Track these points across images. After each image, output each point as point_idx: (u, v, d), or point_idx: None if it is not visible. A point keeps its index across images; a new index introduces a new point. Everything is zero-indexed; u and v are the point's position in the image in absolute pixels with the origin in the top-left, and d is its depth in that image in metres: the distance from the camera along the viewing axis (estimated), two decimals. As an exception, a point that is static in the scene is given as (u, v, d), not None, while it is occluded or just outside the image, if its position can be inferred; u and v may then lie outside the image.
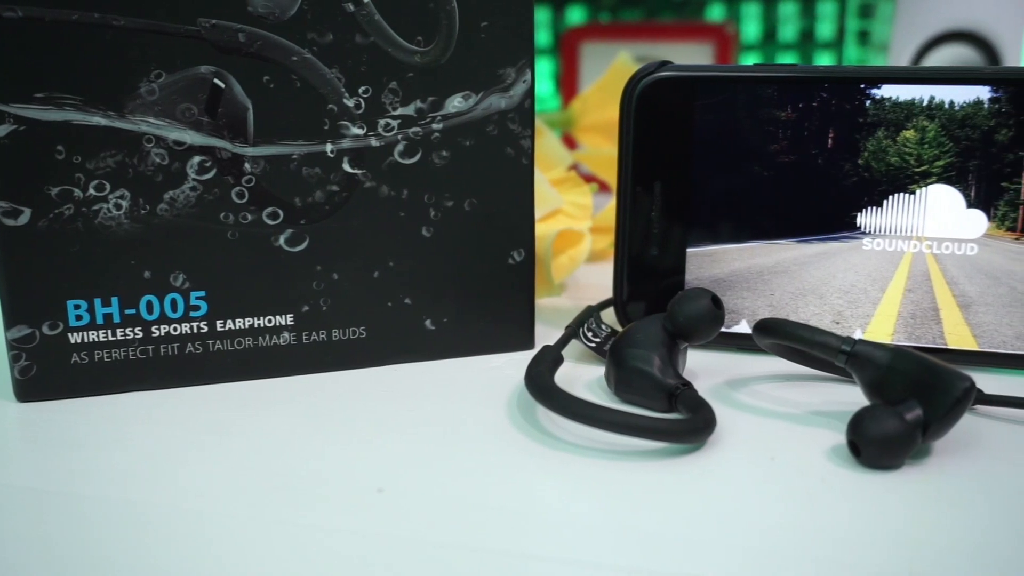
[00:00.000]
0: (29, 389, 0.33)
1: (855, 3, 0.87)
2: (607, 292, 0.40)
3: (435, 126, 0.35)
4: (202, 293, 0.34)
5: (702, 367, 0.37)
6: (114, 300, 0.33)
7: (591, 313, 0.38)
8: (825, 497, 0.27)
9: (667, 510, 0.26)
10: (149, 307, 0.34)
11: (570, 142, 0.72)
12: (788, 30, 1.02)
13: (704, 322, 0.33)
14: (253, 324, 0.35)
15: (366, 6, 0.33)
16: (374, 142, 0.34)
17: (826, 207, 0.36)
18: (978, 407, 0.33)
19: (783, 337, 0.32)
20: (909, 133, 0.35)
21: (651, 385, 0.32)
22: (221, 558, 0.24)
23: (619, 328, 0.38)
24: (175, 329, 0.34)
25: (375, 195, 0.35)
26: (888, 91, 0.35)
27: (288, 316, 0.35)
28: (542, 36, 1.03)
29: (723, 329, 0.35)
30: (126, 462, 0.29)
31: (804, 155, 0.36)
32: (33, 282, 0.32)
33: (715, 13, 1.03)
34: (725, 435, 0.31)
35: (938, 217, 0.35)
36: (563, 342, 0.35)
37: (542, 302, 0.44)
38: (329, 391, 0.35)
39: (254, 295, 0.35)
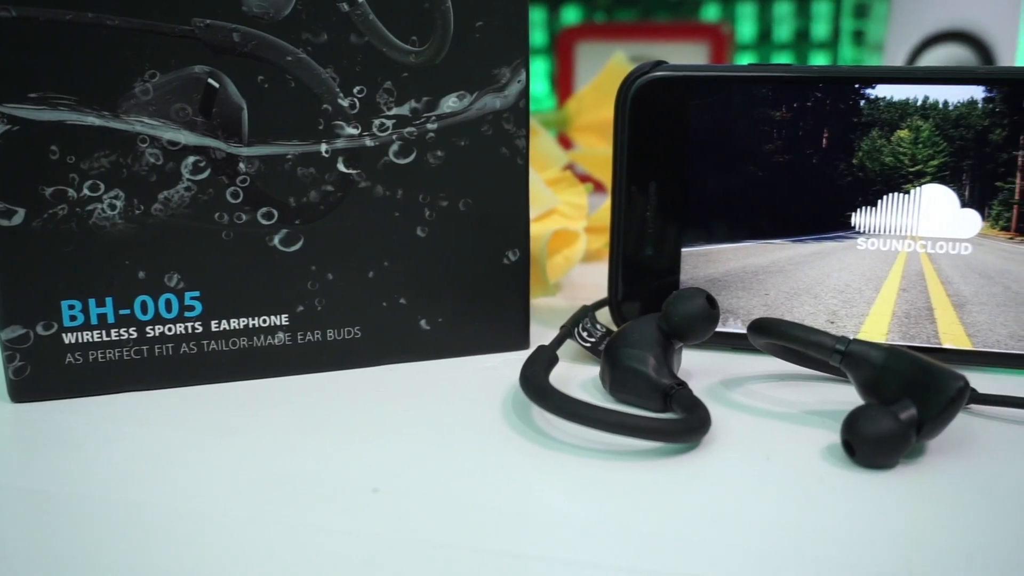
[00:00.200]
0: (23, 389, 0.33)
1: (850, 3, 0.87)
2: (602, 292, 0.40)
3: (430, 126, 0.35)
4: (197, 293, 0.34)
5: (697, 367, 0.37)
6: (108, 300, 0.33)
7: (586, 313, 0.38)
8: (820, 497, 0.27)
9: (662, 510, 0.26)
10: (144, 307, 0.34)
11: (566, 142, 0.72)
12: (783, 30, 1.02)
13: (699, 322, 0.33)
14: (248, 324, 0.35)
15: (360, 6, 0.33)
16: (369, 142, 0.34)
17: (821, 207, 0.36)
18: (972, 406, 0.33)
19: (778, 337, 0.32)
20: (903, 133, 0.35)
21: (646, 385, 0.32)
22: (217, 558, 0.24)
23: (614, 328, 0.38)
24: (170, 329, 0.34)
25: (370, 195, 0.35)
26: (882, 91, 0.35)
27: (283, 316, 0.35)
28: (537, 36, 1.03)
29: (718, 328, 0.35)
30: (121, 462, 0.29)
31: (799, 155, 0.36)
32: (27, 282, 0.32)
33: (710, 13, 1.03)
34: (720, 435, 0.31)
35: (932, 217, 0.36)
36: (558, 342, 0.35)
37: (537, 302, 0.44)
38: (324, 391, 0.35)
39: (249, 295, 0.35)
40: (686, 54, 0.83)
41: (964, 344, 0.36)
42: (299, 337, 0.36)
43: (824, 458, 0.29)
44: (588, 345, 0.37)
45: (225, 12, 0.32)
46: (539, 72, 1.00)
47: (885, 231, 0.36)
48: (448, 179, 0.36)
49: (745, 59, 1.03)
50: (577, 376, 0.36)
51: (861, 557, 0.24)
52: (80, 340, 0.33)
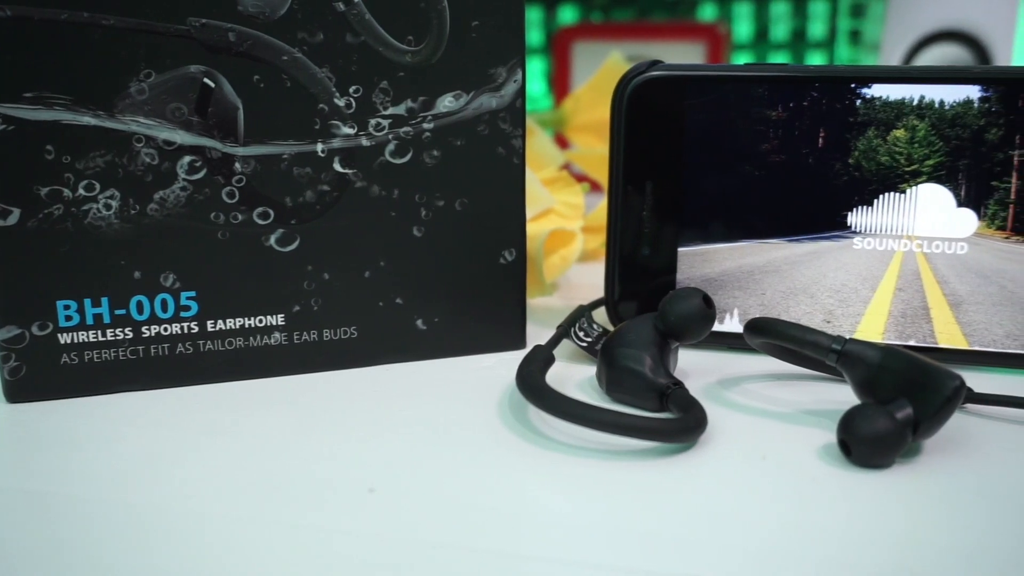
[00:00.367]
0: (18, 390, 0.33)
1: (847, 3, 0.87)
2: (599, 292, 0.40)
3: (426, 126, 0.35)
4: (192, 293, 0.34)
5: (693, 366, 0.37)
6: (104, 300, 0.33)
7: (582, 313, 0.38)
8: (816, 496, 0.27)
9: (658, 509, 0.26)
10: (139, 307, 0.34)
11: (562, 141, 0.72)
12: (780, 30, 1.02)
13: (695, 321, 0.33)
14: (244, 324, 0.35)
15: (356, 5, 0.33)
16: (365, 142, 0.34)
17: (817, 206, 0.36)
18: (968, 406, 0.33)
19: (774, 336, 0.32)
20: (899, 132, 0.35)
21: (642, 384, 0.32)
22: (213, 558, 0.24)
23: (610, 328, 0.38)
24: (165, 329, 0.34)
25: (366, 195, 0.35)
26: (878, 90, 0.35)
27: (279, 316, 0.35)
28: (534, 35, 1.03)
29: (714, 328, 0.35)
30: (117, 463, 0.29)
31: (795, 154, 0.36)
32: (22, 282, 0.32)
33: (707, 13, 1.03)
34: (716, 434, 0.31)
35: (928, 216, 0.36)
36: (554, 342, 0.35)
37: (534, 302, 0.44)
38: (320, 391, 0.35)
39: (245, 295, 0.35)
40: (682, 54, 0.83)
41: (960, 343, 0.36)
42: (295, 337, 0.36)
43: (820, 458, 0.29)
44: (584, 345, 0.37)
45: (221, 12, 0.32)
46: (536, 72, 1.00)
47: (881, 231, 0.36)
48: (444, 179, 0.36)
49: (741, 59, 1.03)
50: (573, 376, 0.36)
51: (857, 556, 0.24)
52: (76, 340, 0.33)
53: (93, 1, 0.31)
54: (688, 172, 0.37)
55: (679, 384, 0.32)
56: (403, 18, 0.34)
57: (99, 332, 0.33)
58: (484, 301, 0.38)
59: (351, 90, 0.34)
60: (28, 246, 0.32)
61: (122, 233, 0.33)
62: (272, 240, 0.34)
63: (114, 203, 0.32)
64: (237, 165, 0.33)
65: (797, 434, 0.31)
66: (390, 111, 0.34)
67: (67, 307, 0.33)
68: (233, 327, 0.35)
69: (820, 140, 0.36)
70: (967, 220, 0.35)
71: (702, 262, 0.38)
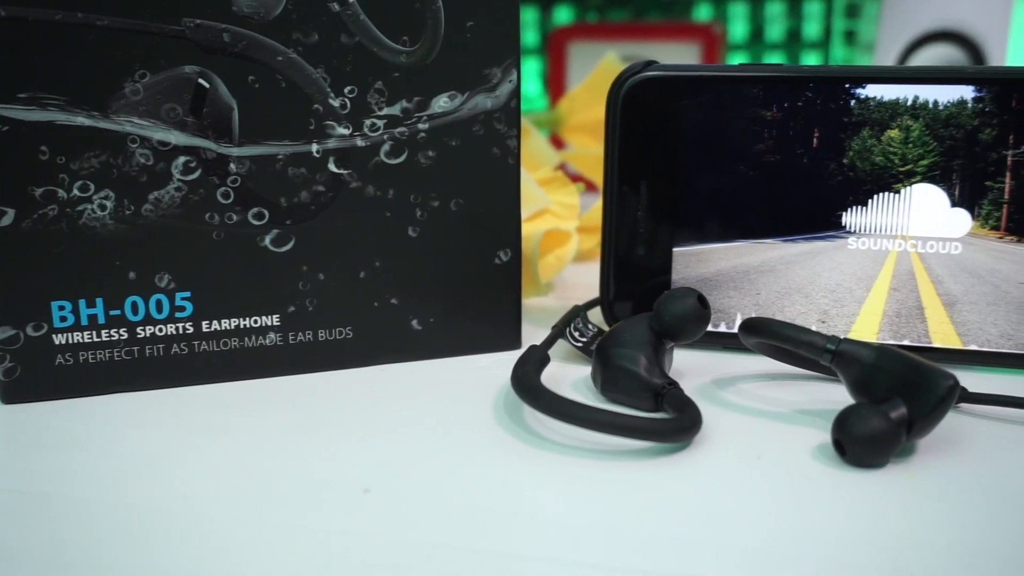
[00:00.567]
0: (13, 391, 0.33)
1: (841, 3, 0.87)
2: (594, 292, 0.40)
3: (421, 126, 0.35)
4: (187, 294, 0.34)
5: (688, 366, 0.37)
6: (99, 301, 0.33)
7: (578, 313, 0.38)
8: (811, 495, 0.27)
9: (653, 509, 0.26)
10: (134, 308, 0.34)
11: (558, 142, 0.72)
12: (775, 30, 1.02)
13: (690, 321, 0.33)
14: (239, 325, 0.35)
15: (351, 6, 0.33)
16: (360, 142, 0.34)
17: (811, 206, 0.36)
18: (962, 405, 0.33)
19: (769, 336, 0.32)
20: (894, 132, 0.35)
21: (637, 384, 0.32)
22: (209, 558, 0.24)
23: (606, 328, 0.38)
24: (160, 330, 0.34)
25: (361, 195, 0.35)
26: (873, 91, 0.35)
27: (274, 316, 0.35)
28: (530, 36, 1.03)
29: (709, 328, 0.35)
30: (111, 463, 0.29)
31: (790, 154, 0.36)
32: (17, 283, 0.32)
33: (702, 13, 1.03)
34: (711, 434, 0.31)
35: (923, 216, 0.36)
36: (550, 342, 0.35)
37: (529, 302, 0.44)
38: (315, 392, 0.35)
39: (240, 296, 0.35)
40: (678, 54, 0.83)
41: (954, 343, 0.36)
42: (290, 337, 0.36)
43: (815, 457, 0.29)
44: (580, 345, 0.37)
45: (215, 12, 0.32)
46: (531, 72, 1.00)
47: (876, 231, 0.36)
48: (439, 179, 0.36)
49: (737, 59, 1.03)
50: (569, 376, 0.36)
51: (851, 555, 0.24)
52: (70, 341, 0.33)
53: (87, 2, 0.31)
54: (683, 172, 0.37)
55: (674, 384, 0.32)
56: (398, 18, 0.34)
57: (94, 333, 0.33)
58: (479, 301, 0.38)
59: (346, 90, 0.34)
60: (22, 247, 0.32)
61: (117, 234, 0.33)
62: (267, 240, 0.34)
63: (109, 204, 0.32)
64: (232, 165, 0.33)
65: (792, 434, 0.31)
66: (385, 111, 0.34)
67: (62, 308, 0.33)
68: (228, 327, 0.35)
69: (815, 140, 0.36)
70: (961, 220, 0.35)
71: (697, 262, 0.38)
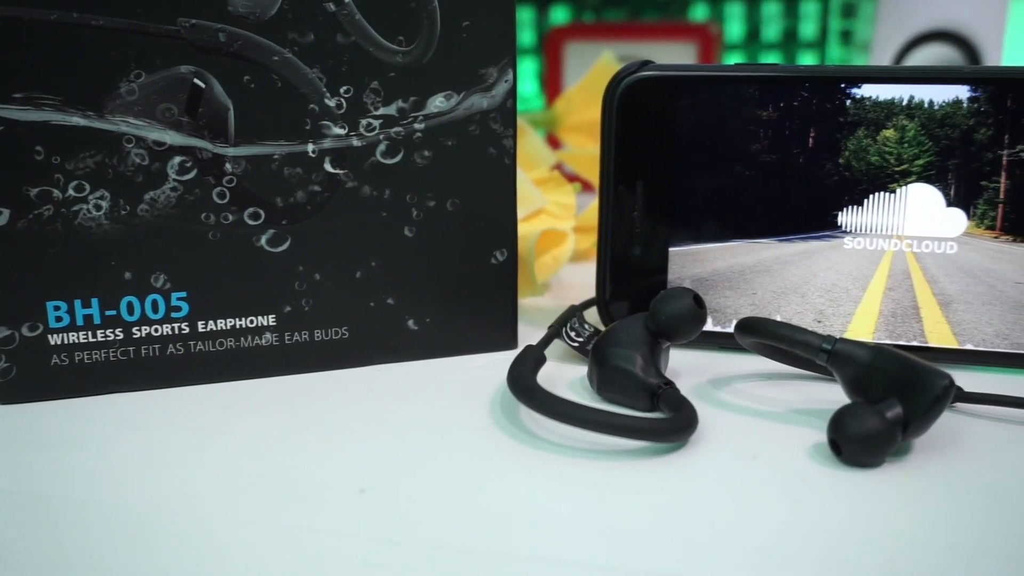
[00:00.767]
0: (8, 391, 0.33)
1: (838, 3, 0.87)
2: (590, 292, 0.40)
3: (417, 126, 0.35)
4: (183, 294, 0.34)
5: (684, 366, 0.37)
6: (94, 301, 0.33)
7: (574, 313, 0.38)
8: (806, 495, 0.27)
9: (649, 509, 0.26)
10: (130, 308, 0.34)
11: (554, 142, 0.72)
12: (771, 30, 1.03)
13: (686, 321, 0.33)
14: (235, 325, 0.35)
15: (347, 6, 0.33)
16: (356, 142, 0.34)
17: (807, 206, 0.37)
18: (958, 405, 0.33)
19: (765, 336, 0.32)
20: (889, 132, 0.35)
21: (633, 384, 0.32)
22: (206, 558, 0.24)
23: (602, 327, 0.38)
24: (156, 330, 0.34)
25: (357, 195, 0.35)
26: (868, 90, 0.35)
27: (270, 317, 0.35)
28: (526, 35, 1.03)
29: (705, 328, 0.35)
30: (108, 464, 0.29)
31: (786, 154, 0.36)
32: (12, 283, 0.32)
33: (698, 13, 1.03)
34: (707, 434, 0.31)
35: (918, 216, 0.36)
36: (546, 342, 0.35)
37: (525, 302, 0.44)
38: (311, 392, 0.35)
39: (236, 296, 0.35)
40: (674, 54, 0.83)
41: (950, 343, 0.36)
42: (286, 338, 0.36)
43: (811, 457, 0.29)
44: (576, 345, 0.37)
45: (211, 12, 0.32)
46: (527, 72, 1.00)
47: (871, 230, 0.36)
48: (435, 179, 0.36)
49: (733, 59, 1.03)
50: (565, 376, 0.36)
51: (847, 555, 0.24)
52: (66, 341, 0.33)
53: (83, 1, 0.31)
54: (679, 172, 0.37)
55: (670, 384, 0.32)
56: (393, 18, 0.34)
57: (89, 333, 0.33)
58: (475, 301, 0.38)
59: (342, 90, 0.34)
60: (18, 247, 0.32)
61: (112, 234, 0.33)
62: (263, 240, 0.34)
63: (104, 204, 0.32)
64: (228, 165, 0.33)
65: (787, 433, 0.31)
66: (381, 111, 0.34)
67: (57, 308, 0.33)
68: (224, 328, 0.35)
69: (810, 140, 0.36)
70: (957, 220, 0.35)
71: (693, 262, 0.38)
